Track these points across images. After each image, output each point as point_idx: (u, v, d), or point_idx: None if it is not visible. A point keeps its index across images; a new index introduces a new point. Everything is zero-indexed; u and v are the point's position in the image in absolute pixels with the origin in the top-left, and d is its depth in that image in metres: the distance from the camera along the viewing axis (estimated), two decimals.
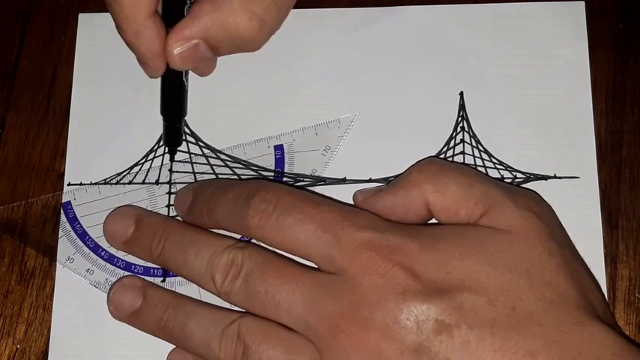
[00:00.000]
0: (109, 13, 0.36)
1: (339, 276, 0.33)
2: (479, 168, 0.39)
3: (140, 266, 0.39)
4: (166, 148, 0.40)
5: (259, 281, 0.34)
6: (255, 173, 0.40)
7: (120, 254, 0.39)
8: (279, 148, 0.40)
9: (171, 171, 0.40)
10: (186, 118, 0.41)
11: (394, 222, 0.35)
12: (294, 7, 0.41)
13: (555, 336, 0.30)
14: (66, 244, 0.39)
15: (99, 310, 0.38)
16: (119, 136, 0.41)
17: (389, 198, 0.36)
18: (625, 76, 0.41)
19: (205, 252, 0.35)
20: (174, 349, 0.36)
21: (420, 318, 0.31)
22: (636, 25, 0.41)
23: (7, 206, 0.40)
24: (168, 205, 0.40)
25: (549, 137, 0.40)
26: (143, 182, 0.40)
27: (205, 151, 0.40)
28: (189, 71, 0.40)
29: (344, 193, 0.39)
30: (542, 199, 0.36)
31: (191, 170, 0.40)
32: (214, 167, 0.40)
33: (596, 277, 0.36)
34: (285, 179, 0.40)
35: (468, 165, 0.39)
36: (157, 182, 0.40)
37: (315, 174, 0.39)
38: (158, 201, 0.40)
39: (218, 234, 0.37)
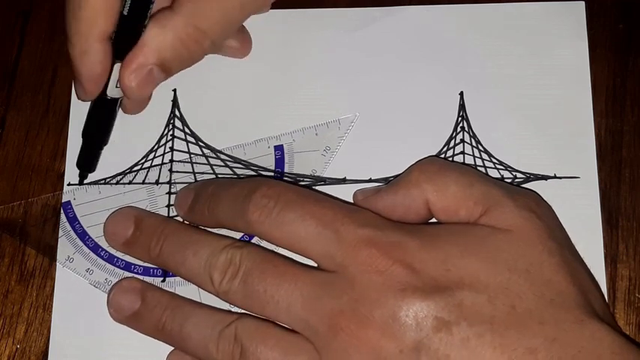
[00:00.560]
0: None
1: (338, 274, 0.33)
2: (479, 168, 0.39)
3: (140, 266, 0.39)
4: (164, 158, 0.40)
5: (258, 280, 0.34)
6: (255, 173, 0.40)
7: (119, 254, 0.39)
8: (279, 149, 0.40)
9: (171, 171, 0.40)
10: (186, 118, 0.41)
11: (395, 221, 0.35)
12: (294, 7, 0.42)
13: (555, 334, 0.30)
14: (65, 244, 0.39)
15: (99, 310, 0.38)
16: (119, 136, 0.41)
17: (389, 197, 0.36)
18: (625, 76, 0.41)
19: (203, 252, 0.35)
20: (173, 350, 0.36)
21: (420, 315, 0.31)
22: (636, 25, 0.41)
23: (7, 206, 0.40)
24: (169, 205, 0.40)
25: (549, 137, 0.40)
26: (143, 182, 0.40)
27: (205, 151, 0.40)
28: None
29: (344, 193, 0.39)
30: (542, 198, 0.36)
31: (191, 170, 0.40)
32: (214, 167, 0.40)
33: (596, 277, 0.36)
34: (285, 179, 0.40)
35: (467, 165, 0.39)
36: (157, 182, 0.40)
37: (315, 174, 0.39)
38: (158, 201, 0.40)
39: (216, 234, 0.37)
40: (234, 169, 0.40)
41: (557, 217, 0.36)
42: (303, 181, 0.40)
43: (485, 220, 0.33)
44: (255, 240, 0.38)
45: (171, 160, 0.40)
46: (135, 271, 0.39)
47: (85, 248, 0.39)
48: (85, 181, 0.40)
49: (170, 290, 0.38)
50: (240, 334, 0.34)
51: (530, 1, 0.41)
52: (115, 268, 0.39)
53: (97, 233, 0.39)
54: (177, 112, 0.41)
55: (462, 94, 0.40)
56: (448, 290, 0.31)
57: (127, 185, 0.40)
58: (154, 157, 0.40)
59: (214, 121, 0.41)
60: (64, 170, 0.40)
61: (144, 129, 0.41)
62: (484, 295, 0.31)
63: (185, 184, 0.40)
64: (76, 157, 0.40)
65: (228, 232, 0.37)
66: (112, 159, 0.40)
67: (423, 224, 0.35)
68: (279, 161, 0.40)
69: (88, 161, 0.40)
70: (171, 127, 0.41)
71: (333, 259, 0.33)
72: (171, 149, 0.41)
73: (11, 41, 0.43)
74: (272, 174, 0.40)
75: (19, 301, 0.39)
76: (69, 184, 0.40)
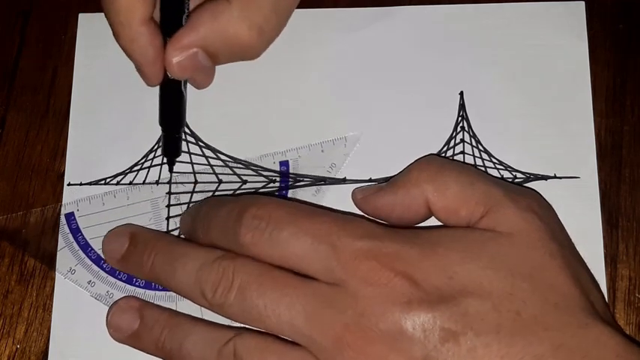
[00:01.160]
0: None
1: (340, 287, 0.32)
2: (479, 168, 0.39)
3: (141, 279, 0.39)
4: (164, 158, 0.40)
5: (257, 294, 0.33)
6: (255, 174, 0.40)
7: None
8: (284, 164, 0.40)
9: (171, 171, 0.40)
10: (187, 120, 0.41)
11: (391, 228, 0.34)
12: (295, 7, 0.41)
13: (561, 340, 0.30)
14: (68, 256, 0.39)
15: (99, 310, 0.38)
16: (119, 136, 0.41)
17: (388, 197, 0.35)
18: (625, 76, 0.41)
19: (193, 264, 0.34)
20: None
21: (427, 327, 0.30)
22: (636, 25, 0.41)
23: (9, 215, 0.40)
24: (169, 206, 0.40)
25: (549, 137, 0.39)
26: (143, 182, 0.40)
27: (205, 151, 0.40)
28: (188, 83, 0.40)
29: (344, 193, 0.39)
30: (544, 199, 0.36)
31: (191, 170, 0.40)
32: (214, 167, 0.40)
33: (596, 277, 0.36)
34: (286, 179, 0.40)
35: (467, 164, 0.39)
36: (157, 182, 0.40)
37: (319, 193, 0.39)
38: (162, 205, 0.40)
39: (209, 247, 0.36)
40: (235, 170, 0.40)
41: (558, 218, 0.36)
42: (303, 181, 0.40)
43: (486, 222, 0.33)
44: None
45: (170, 171, 0.40)
46: (137, 284, 0.38)
47: (87, 260, 0.39)
48: (85, 181, 0.40)
49: (172, 303, 0.38)
50: (239, 351, 0.33)
51: (530, 1, 0.41)
52: (117, 281, 0.38)
53: (99, 245, 0.39)
54: None
55: (462, 94, 0.40)
56: (452, 299, 0.31)
57: (130, 197, 0.40)
58: (154, 157, 0.40)
59: (215, 121, 0.41)
60: (64, 170, 0.40)
61: (144, 129, 0.41)
62: (489, 302, 0.31)
63: (185, 184, 0.40)
64: (76, 156, 0.40)
65: None
66: (112, 159, 0.40)
67: (422, 229, 0.35)
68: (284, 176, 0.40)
69: (172, 147, 0.40)
70: None
71: (333, 273, 0.32)
72: None
73: (11, 41, 0.43)
74: (272, 174, 0.40)
75: (19, 301, 0.39)
76: (69, 185, 0.40)
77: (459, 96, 0.40)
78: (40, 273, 0.39)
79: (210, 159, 0.40)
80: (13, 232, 0.40)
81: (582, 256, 0.35)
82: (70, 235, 0.39)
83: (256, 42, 0.37)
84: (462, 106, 0.40)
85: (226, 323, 0.35)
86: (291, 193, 0.39)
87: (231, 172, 0.40)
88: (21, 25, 0.43)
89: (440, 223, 0.35)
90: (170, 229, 0.39)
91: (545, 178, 0.39)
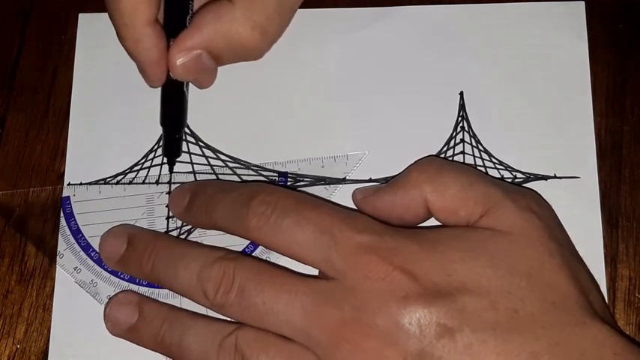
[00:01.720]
0: None
1: (338, 281, 0.32)
2: (479, 168, 0.39)
3: None
4: (164, 158, 0.40)
5: (255, 293, 0.33)
6: (255, 173, 0.40)
7: None
8: (282, 176, 0.40)
9: (171, 171, 0.40)
10: (187, 120, 0.41)
11: (392, 226, 0.34)
12: None
13: (558, 338, 0.30)
14: (58, 239, 0.39)
15: (99, 310, 0.38)
16: (119, 136, 0.41)
17: (388, 197, 0.35)
18: (625, 76, 0.41)
19: (195, 265, 0.35)
20: None
21: (423, 322, 0.30)
22: (636, 25, 0.41)
23: (7, 192, 0.40)
24: (169, 206, 0.40)
25: (549, 137, 0.39)
26: (143, 182, 0.40)
27: (205, 151, 0.40)
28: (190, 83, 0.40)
29: (344, 193, 0.39)
30: (543, 198, 0.36)
31: (191, 170, 0.40)
32: (214, 167, 0.40)
33: (596, 277, 0.36)
34: (286, 179, 0.40)
35: (467, 164, 0.39)
36: (157, 182, 0.40)
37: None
38: (157, 202, 0.40)
39: (208, 246, 0.37)
40: (235, 170, 0.40)
41: (558, 217, 0.36)
42: (303, 181, 0.40)
43: (486, 221, 0.33)
44: (260, 248, 0.38)
45: (170, 171, 0.40)
46: (122, 276, 0.38)
47: (76, 246, 0.39)
48: (86, 181, 0.40)
49: (176, 300, 0.38)
50: (240, 344, 0.33)
51: (530, 1, 0.41)
52: (103, 271, 0.39)
53: (90, 233, 0.39)
54: None
55: (462, 94, 0.40)
56: (450, 296, 0.31)
57: (127, 188, 0.40)
58: (154, 157, 0.40)
59: (215, 122, 0.41)
60: (64, 170, 0.40)
61: (144, 129, 0.41)
62: (486, 299, 0.31)
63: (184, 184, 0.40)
64: (76, 156, 0.40)
65: (227, 235, 0.37)
66: (112, 159, 0.40)
67: (422, 228, 0.35)
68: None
69: (173, 148, 0.40)
70: None
71: (333, 264, 0.33)
72: None
73: (11, 41, 0.43)
74: (272, 174, 0.40)
75: (19, 301, 0.39)
76: (69, 184, 0.40)
77: (459, 96, 0.40)
78: (40, 273, 0.39)
79: (210, 159, 0.40)
80: (10, 209, 0.40)
81: (582, 256, 0.35)
82: (63, 219, 0.39)
83: (259, 42, 0.37)
84: (462, 106, 0.40)
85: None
86: None
87: (231, 172, 0.40)
88: (21, 25, 0.43)
89: (439, 224, 0.35)
90: (170, 228, 0.39)
91: (545, 178, 0.39)
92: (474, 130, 0.40)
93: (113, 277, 0.38)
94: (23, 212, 0.40)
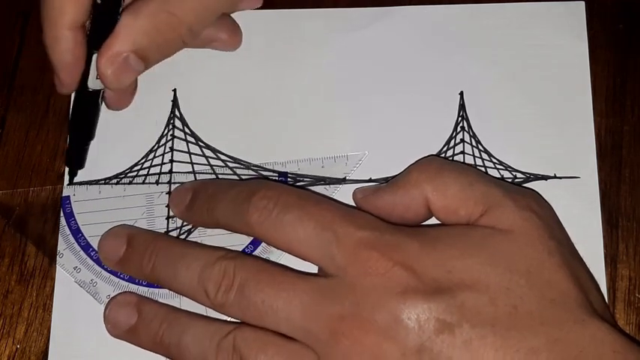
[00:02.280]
0: None
1: (337, 278, 0.32)
2: (479, 168, 0.39)
3: None
4: (67, 169, 0.40)
5: (254, 291, 0.33)
6: (255, 174, 0.40)
7: None
8: (282, 176, 0.40)
9: (171, 171, 0.40)
10: (186, 118, 0.41)
11: (393, 223, 0.34)
12: (295, 8, 0.41)
13: (557, 334, 0.30)
14: (58, 239, 0.39)
15: (99, 310, 0.38)
16: (119, 136, 0.41)
17: (388, 197, 0.36)
18: (625, 76, 0.41)
19: (196, 265, 0.35)
20: None
21: (422, 317, 0.31)
22: (636, 25, 0.41)
23: (7, 192, 0.40)
24: (168, 205, 0.40)
25: (549, 137, 0.40)
26: (143, 182, 0.40)
27: (205, 151, 0.40)
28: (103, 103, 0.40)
29: (344, 193, 0.39)
30: (543, 198, 0.36)
31: (191, 170, 0.40)
32: (214, 167, 0.40)
33: (596, 277, 0.36)
34: (286, 179, 0.40)
35: (467, 164, 0.39)
36: (157, 182, 0.40)
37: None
38: (157, 202, 0.40)
39: (208, 246, 0.37)
40: (235, 170, 0.40)
41: (557, 217, 0.36)
42: (303, 181, 0.40)
43: (486, 220, 0.33)
44: (260, 248, 0.38)
45: (172, 160, 0.40)
46: (121, 276, 0.38)
47: (76, 246, 0.39)
48: (86, 181, 0.40)
49: (176, 300, 0.38)
50: (238, 344, 0.33)
51: (530, 1, 0.42)
52: (103, 270, 0.38)
53: (90, 232, 0.39)
54: (177, 112, 0.41)
55: (462, 94, 0.41)
56: (449, 292, 0.31)
57: (127, 188, 0.40)
58: (154, 157, 0.40)
59: (215, 122, 0.41)
60: (64, 170, 0.40)
61: (144, 129, 0.41)
62: (485, 296, 0.31)
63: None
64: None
65: (226, 235, 0.37)
66: (112, 159, 0.40)
67: (423, 226, 0.35)
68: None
69: (76, 157, 0.40)
70: (171, 127, 0.41)
71: (333, 261, 0.33)
72: (171, 149, 0.41)
73: (11, 41, 0.43)
74: (272, 174, 0.40)
75: (19, 301, 0.39)
76: (69, 184, 0.40)
77: (459, 96, 0.40)
78: (40, 273, 0.39)
79: (210, 159, 0.40)
80: (10, 208, 0.40)
81: (582, 256, 0.35)
82: (63, 219, 0.39)
83: (179, 34, 0.37)
84: (462, 106, 0.40)
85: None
86: None
87: (231, 172, 0.40)
88: (21, 25, 0.43)
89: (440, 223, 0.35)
90: (170, 228, 0.39)
91: (545, 178, 0.39)
92: (474, 130, 0.40)
93: (113, 277, 0.38)
94: (23, 212, 0.40)
